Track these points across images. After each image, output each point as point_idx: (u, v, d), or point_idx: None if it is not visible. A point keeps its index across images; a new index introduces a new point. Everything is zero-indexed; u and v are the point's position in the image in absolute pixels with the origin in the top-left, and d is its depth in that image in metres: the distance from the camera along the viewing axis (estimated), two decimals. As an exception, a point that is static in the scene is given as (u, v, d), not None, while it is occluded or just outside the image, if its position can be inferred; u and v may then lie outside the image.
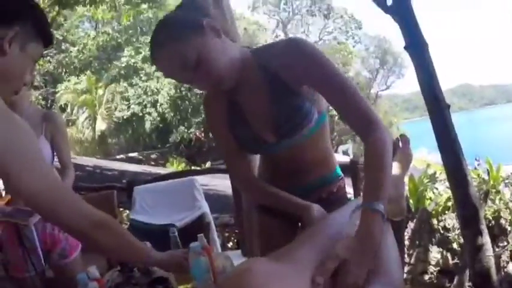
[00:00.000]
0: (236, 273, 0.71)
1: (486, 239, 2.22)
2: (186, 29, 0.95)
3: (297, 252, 0.83)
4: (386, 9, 2.36)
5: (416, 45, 2.27)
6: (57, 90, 17.18)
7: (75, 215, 0.87)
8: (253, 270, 0.65)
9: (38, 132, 1.80)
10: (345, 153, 17.03)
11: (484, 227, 2.23)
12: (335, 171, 1.21)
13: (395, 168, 1.02)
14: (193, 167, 12.06)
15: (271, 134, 1.09)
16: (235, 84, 1.05)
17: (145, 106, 16.96)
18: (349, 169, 2.27)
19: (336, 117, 19.56)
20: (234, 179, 1.33)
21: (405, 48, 2.31)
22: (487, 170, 4.25)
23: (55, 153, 1.89)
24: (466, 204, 2.20)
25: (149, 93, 16.94)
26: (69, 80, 17.52)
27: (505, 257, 3.33)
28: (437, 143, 2.23)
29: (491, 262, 2.22)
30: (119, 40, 18.27)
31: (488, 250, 2.20)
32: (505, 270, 3.20)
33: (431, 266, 3.78)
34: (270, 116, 1.06)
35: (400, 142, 1.09)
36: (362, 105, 0.98)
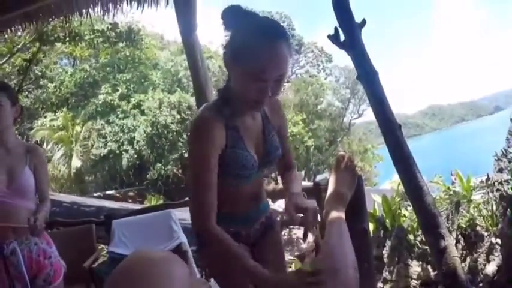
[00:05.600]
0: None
1: (449, 242, 2.35)
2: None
3: None
4: (340, 45, 2.64)
5: (367, 75, 2.54)
6: (33, 126, 16.89)
7: None
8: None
9: (22, 163, 1.91)
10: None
11: (445, 231, 2.37)
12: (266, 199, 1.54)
13: (342, 184, 1.13)
14: (171, 203, 11.80)
15: (258, 161, 1.31)
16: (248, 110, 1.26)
17: (122, 143, 16.74)
18: (313, 191, 2.46)
19: (312, 148, 19.82)
20: (205, 221, 1.16)
21: (357, 78, 2.58)
22: (459, 182, 4.47)
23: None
24: (424, 213, 2.37)
25: (126, 131, 16.79)
26: (45, 116, 17.27)
27: (481, 260, 3.46)
28: (393, 161, 2.44)
29: (458, 262, 2.33)
30: (96, 77, 18.25)
31: (453, 252, 2.32)
32: (483, 272, 3.33)
33: (413, 280, 3.84)
34: (263, 145, 1.33)
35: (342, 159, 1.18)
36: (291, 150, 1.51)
